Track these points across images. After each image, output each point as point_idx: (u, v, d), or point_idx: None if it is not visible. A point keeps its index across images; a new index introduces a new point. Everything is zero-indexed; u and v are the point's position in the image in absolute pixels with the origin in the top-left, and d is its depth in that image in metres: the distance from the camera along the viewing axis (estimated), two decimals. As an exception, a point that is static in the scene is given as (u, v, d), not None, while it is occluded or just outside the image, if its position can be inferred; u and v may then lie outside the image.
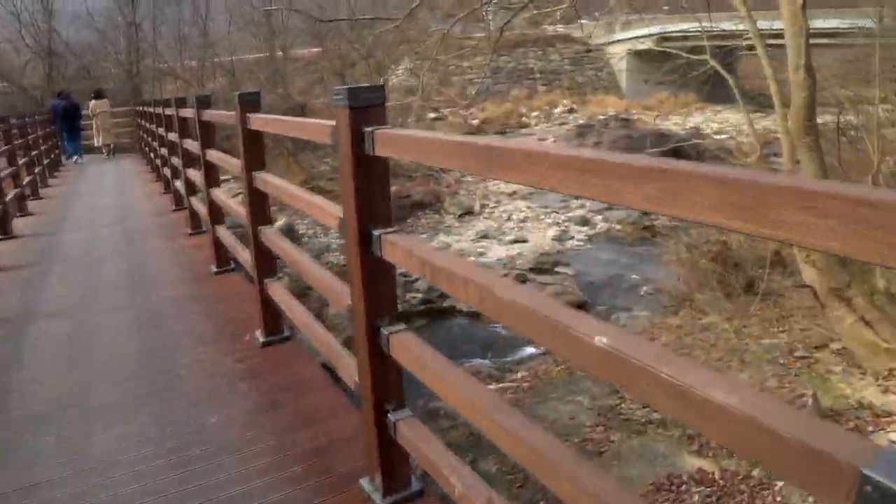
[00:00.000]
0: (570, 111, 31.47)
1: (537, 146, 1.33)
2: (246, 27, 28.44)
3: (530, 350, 9.70)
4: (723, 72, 8.75)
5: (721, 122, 25.17)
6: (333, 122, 2.33)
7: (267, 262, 3.96)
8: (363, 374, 2.42)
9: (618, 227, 16.81)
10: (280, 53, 25.23)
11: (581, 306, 12.47)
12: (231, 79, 25.64)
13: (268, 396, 3.50)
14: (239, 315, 4.75)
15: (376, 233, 2.14)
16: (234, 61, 27.78)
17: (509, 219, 17.87)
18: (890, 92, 9.01)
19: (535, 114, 31.27)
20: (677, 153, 17.25)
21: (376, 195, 2.20)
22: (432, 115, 28.39)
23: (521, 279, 13.72)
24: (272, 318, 4.08)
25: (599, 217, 17.35)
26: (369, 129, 2.11)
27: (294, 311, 3.45)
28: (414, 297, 12.21)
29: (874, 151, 8.10)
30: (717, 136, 23.05)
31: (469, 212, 18.34)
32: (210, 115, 5.32)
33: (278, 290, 3.79)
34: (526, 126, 29.78)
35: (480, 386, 1.88)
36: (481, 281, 1.58)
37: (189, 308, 5.10)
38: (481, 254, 15.58)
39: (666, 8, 34.40)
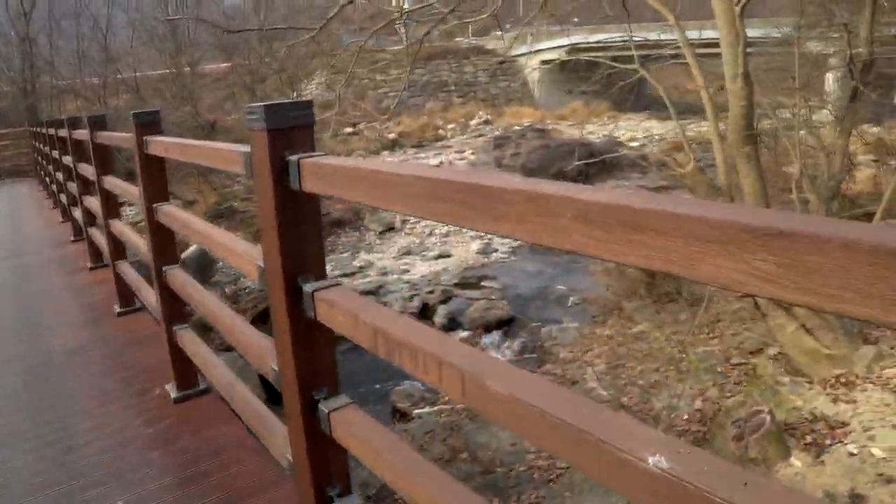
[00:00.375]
0: (486, 123, 31.51)
1: (549, 186, 0.92)
2: (150, 41, 27.08)
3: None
4: (653, 81, 8.68)
5: (633, 130, 25.55)
6: (247, 148, 1.89)
7: (176, 308, 3.42)
8: (298, 454, 1.97)
9: (542, 237, 16.69)
10: (187, 69, 24.16)
11: (510, 321, 12.18)
12: (136, 96, 24.40)
13: (187, 467, 2.96)
14: (147, 364, 4.17)
15: (308, 288, 1.70)
16: (139, 77, 26.47)
17: (431, 234, 17.54)
18: (802, 98, 9.14)
19: (451, 126, 31.14)
20: (604, 164, 17.33)
21: (306, 239, 1.77)
22: (348, 129, 27.82)
23: (448, 295, 13.36)
24: (185, 369, 3.54)
25: (523, 228, 17.23)
26: (294, 157, 1.68)
27: (211, 367, 2.94)
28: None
29: (796, 158, 8.14)
30: (632, 144, 23.38)
31: (391, 228, 17.92)
32: (105, 137, 4.74)
33: (191, 341, 3.27)
34: (442, 139, 29.60)
35: (456, 483, 1.47)
36: (464, 365, 1.14)
37: (89, 357, 4.47)
38: (405, 271, 15.19)
39: (575, 20, 34.92)
